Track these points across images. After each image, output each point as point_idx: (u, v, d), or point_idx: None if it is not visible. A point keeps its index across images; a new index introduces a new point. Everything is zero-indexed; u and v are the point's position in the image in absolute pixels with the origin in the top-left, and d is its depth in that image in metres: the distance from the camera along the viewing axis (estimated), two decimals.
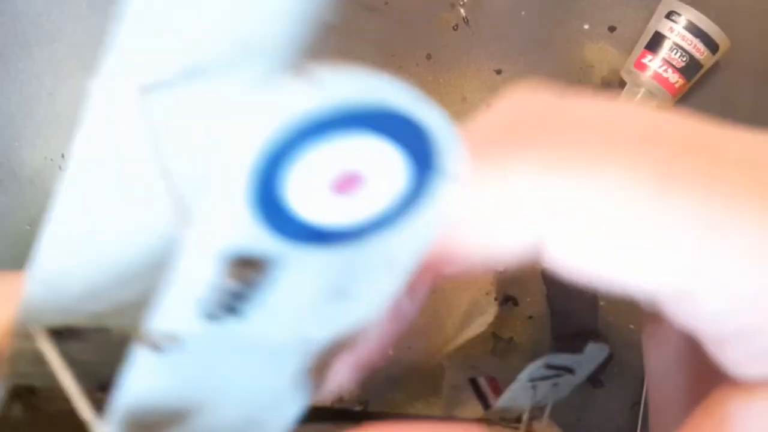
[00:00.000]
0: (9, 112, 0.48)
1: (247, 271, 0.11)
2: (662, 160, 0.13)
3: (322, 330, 0.13)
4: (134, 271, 0.15)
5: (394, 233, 0.11)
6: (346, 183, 0.10)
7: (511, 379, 0.34)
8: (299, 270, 0.11)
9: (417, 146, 0.10)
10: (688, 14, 0.46)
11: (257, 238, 0.11)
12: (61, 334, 0.16)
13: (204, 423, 0.14)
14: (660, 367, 0.18)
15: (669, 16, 0.47)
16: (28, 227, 0.48)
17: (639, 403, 0.47)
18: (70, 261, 0.14)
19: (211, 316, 0.12)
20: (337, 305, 0.13)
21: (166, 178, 0.12)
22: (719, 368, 0.14)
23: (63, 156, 0.48)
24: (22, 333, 0.16)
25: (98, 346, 0.17)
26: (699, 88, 0.50)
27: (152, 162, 0.12)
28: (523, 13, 0.51)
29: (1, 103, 0.48)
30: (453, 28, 0.50)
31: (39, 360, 0.16)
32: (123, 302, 0.16)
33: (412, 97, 0.10)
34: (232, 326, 0.12)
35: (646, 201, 0.13)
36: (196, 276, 0.11)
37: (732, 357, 0.14)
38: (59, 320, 0.16)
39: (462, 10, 0.50)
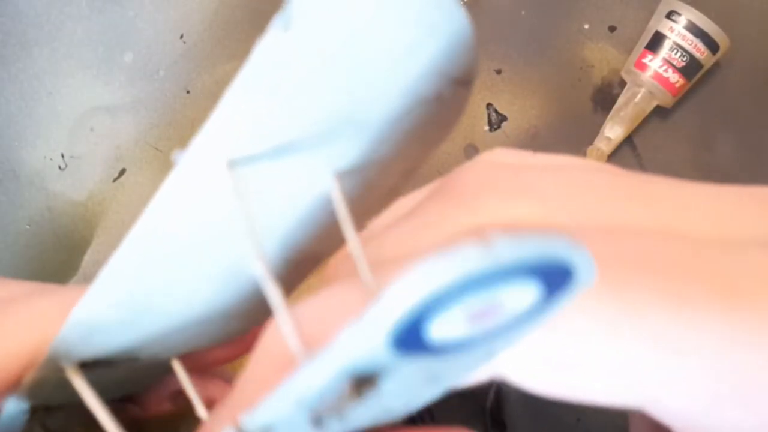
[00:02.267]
0: (9, 112, 0.48)
1: (363, 386, 0.12)
2: (614, 282, 0.13)
3: (406, 407, 0.14)
4: (180, 322, 0.16)
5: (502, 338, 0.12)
6: (484, 314, 0.11)
7: None
8: (408, 373, 0.12)
9: (557, 282, 0.11)
10: (688, 14, 0.46)
11: (383, 358, 0.11)
12: (90, 365, 0.16)
13: None
14: None
15: (669, 15, 0.47)
16: (27, 227, 0.48)
17: None
18: (118, 306, 0.15)
19: (317, 421, 0.12)
20: (429, 387, 0.13)
21: (252, 235, 0.13)
22: None
23: (63, 156, 0.48)
24: (52, 367, 0.16)
25: (125, 371, 0.17)
26: (699, 88, 0.50)
27: (238, 222, 0.13)
28: (523, 13, 0.51)
29: (1, 103, 0.48)
30: None
31: (63, 385, 0.16)
32: (156, 336, 0.16)
33: (569, 247, 0.11)
34: (330, 424, 0.13)
35: (599, 328, 0.13)
36: (314, 382, 0.12)
37: None
38: (91, 355, 0.16)
39: None
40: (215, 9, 0.50)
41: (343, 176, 0.14)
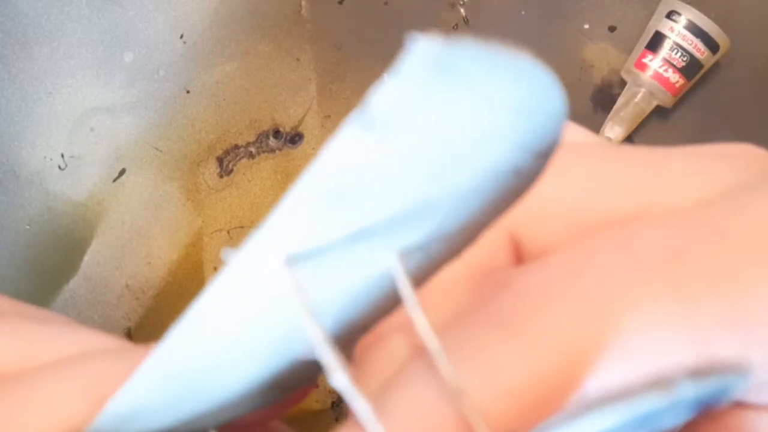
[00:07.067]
0: (9, 112, 0.48)
1: None
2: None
3: None
4: (223, 399, 0.15)
5: None
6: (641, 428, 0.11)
7: None
8: None
9: (711, 394, 0.11)
10: (688, 14, 0.46)
11: None
12: None
13: None
14: None
15: (669, 15, 0.47)
16: (27, 227, 0.48)
17: None
18: (159, 398, 0.14)
19: None
20: None
21: (314, 327, 0.12)
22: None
23: (63, 156, 0.48)
24: None
25: None
26: (699, 88, 0.50)
27: (298, 316, 0.12)
28: (523, 13, 0.51)
29: (1, 103, 0.48)
30: (453, 27, 0.50)
31: None
32: (198, 414, 0.15)
33: (743, 378, 0.11)
34: None
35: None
36: None
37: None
38: None
39: (462, 10, 0.50)
40: (215, 9, 0.50)
41: (406, 254, 0.13)
